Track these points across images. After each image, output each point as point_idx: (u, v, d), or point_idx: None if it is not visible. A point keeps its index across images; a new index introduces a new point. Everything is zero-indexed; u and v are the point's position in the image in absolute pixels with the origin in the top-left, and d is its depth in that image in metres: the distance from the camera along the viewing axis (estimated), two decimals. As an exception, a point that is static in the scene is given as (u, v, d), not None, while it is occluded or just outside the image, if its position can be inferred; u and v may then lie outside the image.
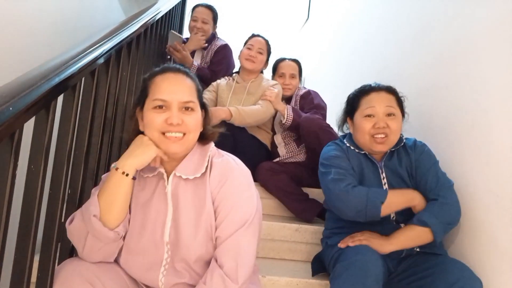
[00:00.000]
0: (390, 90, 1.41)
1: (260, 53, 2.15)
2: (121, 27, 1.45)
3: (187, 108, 0.97)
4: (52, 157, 0.94)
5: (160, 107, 0.95)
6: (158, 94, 0.96)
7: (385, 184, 1.36)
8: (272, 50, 2.29)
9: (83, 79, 1.06)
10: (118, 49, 1.34)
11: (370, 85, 1.43)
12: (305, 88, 2.31)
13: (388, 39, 2.14)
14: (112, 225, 0.93)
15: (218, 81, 2.25)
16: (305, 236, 1.65)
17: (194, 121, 0.98)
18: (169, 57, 2.40)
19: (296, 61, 2.29)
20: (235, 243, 0.93)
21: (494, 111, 1.23)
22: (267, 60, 2.24)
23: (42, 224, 0.91)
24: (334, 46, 3.16)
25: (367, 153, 1.39)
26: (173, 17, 2.86)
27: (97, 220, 0.90)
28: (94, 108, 1.15)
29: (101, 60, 1.17)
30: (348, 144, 1.42)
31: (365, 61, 2.42)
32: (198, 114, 1.00)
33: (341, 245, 1.26)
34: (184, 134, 0.96)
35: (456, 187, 1.33)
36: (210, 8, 2.58)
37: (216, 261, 0.94)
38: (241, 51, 2.21)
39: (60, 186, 0.96)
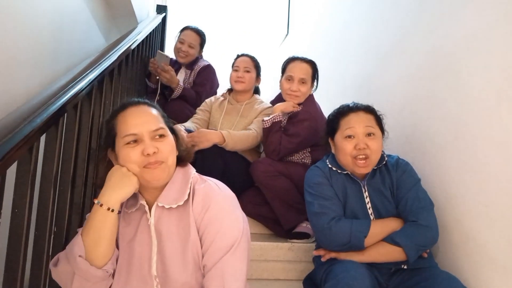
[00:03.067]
0: (368, 110, 1.40)
1: (248, 71, 2.09)
2: (101, 56, 1.45)
3: (159, 136, 0.97)
4: (36, 194, 0.91)
5: (134, 141, 0.95)
6: (127, 130, 0.95)
7: (368, 203, 1.36)
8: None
9: (65, 114, 1.05)
10: (100, 79, 1.33)
11: (348, 105, 1.42)
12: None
13: (369, 52, 2.17)
14: (100, 263, 0.90)
15: (213, 99, 2.21)
16: (298, 255, 1.65)
17: (169, 147, 0.98)
18: (157, 77, 2.38)
19: (311, 63, 1.88)
20: (221, 269, 0.91)
21: (477, 122, 1.25)
22: (258, 75, 2.15)
23: (28, 264, 0.88)
24: (315, 58, 3.19)
25: (350, 173, 1.39)
26: (155, 38, 2.87)
27: (82, 260, 0.88)
28: (78, 141, 1.13)
29: (84, 93, 1.16)
30: (330, 166, 1.41)
31: (346, 75, 2.44)
32: (170, 138, 1.00)
33: (323, 259, 1.30)
34: (162, 162, 0.96)
35: (443, 198, 1.35)
36: (198, 33, 2.57)
37: None
38: (230, 75, 2.15)
39: (46, 226, 0.94)
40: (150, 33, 2.56)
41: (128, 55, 1.82)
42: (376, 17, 2.11)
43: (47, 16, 1.70)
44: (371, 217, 1.34)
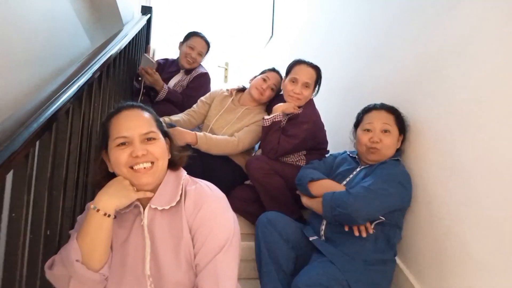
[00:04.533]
0: (391, 110, 1.58)
1: (272, 89, 2.07)
2: (90, 61, 1.46)
3: (149, 139, 1.00)
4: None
5: (123, 143, 0.97)
6: (118, 133, 0.98)
7: (349, 177, 1.56)
8: (236, 68, 2.30)
9: (57, 119, 1.07)
10: (89, 83, 1.35)
11: (375, 104, 1.63)
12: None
13: (356, 55, 2.23)
14: (97, 267, 0.93)
15: (218, 91, 2.22)
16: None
17: (159, 149, 1.00)
18: (140, 78, 2.40)
19: (316, 68, 1.91)
20: (214, 268, 0.94)
21: (458, 125, 1.31)
22: (275, 97, 2.12)
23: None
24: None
25: (357, 158, 1.63)
26: (140, 39, 2.88)
27: (79, 265, 0.90)
28: (69, 145, 1.16)
29: (74, 97, 1.18)
30: (349, 153, 1.69)
31: (333, 77, 2.49)
32: (161, 142, 1.03)
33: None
34: (152, 162, 0.98)
35: (425, 197, 1.42)
36: (207, 42, 2.61)
37: None
38: (255, 77, 2.13)
39: (41, 229, 0.96)
40: (136, 34, 2.57)
41: (115, 58, 1.84)
42: (363, 21, 2.17)
43: (38, 20, 1.71)
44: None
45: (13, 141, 0.79)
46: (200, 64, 2.66)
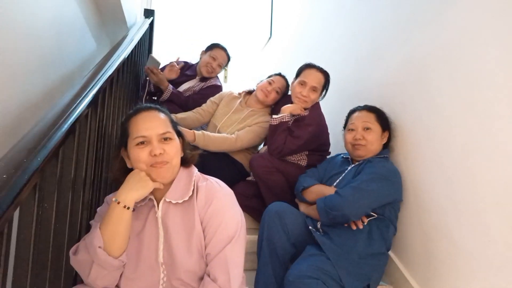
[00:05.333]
0: (371, 109, 1.73)
1: (277, 92, 2.21)
2: (102, 67, 1.58)
3: (165, 139, 1.10)
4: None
5: (142, 143, 1.08)
6: (138, 132, 1.08)
7: (341, 177, 1.67)
8: (235, 68, 2.41)
9: (79, 124, 1.19)
10: (104, 88, 1.47)
11: (358, 106, 1.79)
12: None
13: (348, 58, 2.33)
14: (117, 254, 1.03)
15: (228, 92, 2.36)
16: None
17: (174, 149, 1.11)
18: (147, 77, 2.51)
19: (325, 73, 1.98)
20: (225, 257, 1.05)
21: (445, 125, 1.40)
22: (280, 100, 2.26)
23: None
24: (296, 63, 3.36)
25: (349, 158, 1.76)
26: (144, 42, 2.99)
27: (102, 251, 1.00)
28: (88, 145, 1.28)
29: (91, 103, 1.29)
30: (342, 155, 1.82)
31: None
32: (176, 141, 1.13)
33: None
34: (167, 162, 1.09)
35: (415, 192, 1.53)
36: (228, 56, 2.70)
37: (209, 275, 1.05)
38: (261, 81, 2.27)
39: (66, 218, 1.08)
40: (140, 38, 2.68)
41: (123, 62, 1.96)
42: (355, 25, 2.27)
43: (48, 25, 1.82)
44: (333, 185, 1.66)
45: (45, 144, 0.91)
46: (217, 76, 2.75)
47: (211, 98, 2.36)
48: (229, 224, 1.09)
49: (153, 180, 1.09)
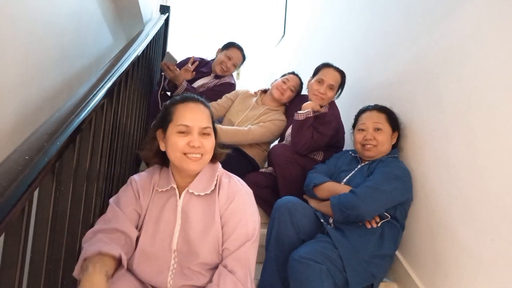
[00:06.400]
0: (381, 110, 1.73)
1: (291, 90, 2.27)
2: (118, 59, 1.63)
3: (205, 133, 1.14)
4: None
5: (183, 132, 1.12)
6: (182, 121, 1.12)
7: (347, 176, 1.68)
8: (248, 66, 2.46)
9: (95, 115, 1.24)
10: (119, 80, 1.53)
11: (368, 106, 1.78)
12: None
13: (358, 56, 2.36)
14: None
15: (242, 90, 2.43)
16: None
17: (210, 144, 1.15)
18: (162, 73, 2.57)
19: (342, 73, 2.06)
20: (245, 254, 1.09)
21: (451, 125, 1.41)
22: (295, 98, 2.32)
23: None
24: (308, 62, 3.38)
25: (358, 156, 1.76)
26: (159, 38, 3.05)
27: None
28: (103, 140, 1.33)
29: (107, 94, 1.35)
30: (351, 152, 1.83)
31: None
32: (213, 138, 1.17)
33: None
34: (202, 155, 1.13)
35: (422, 191, 1.54)
36: (244, 56, 2.73)
37: (226, 267, 1.08)
38: (276, 80, 2.34)
39: (81, 203, 1.14)
40: (156, 33, 2.74)
41: (139, 56, 2.01)
42: (366, 25, 2.29)
43: (68, 20, 1.88)
44: (342, 182, 1.66)
45: (63, 130, 0.97)
46: (231, 74, 2.78)
47: (227, 95, 2.42)
48: (249, 222, 1.13)
49: (182, 169, 1.13)
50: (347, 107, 2.36)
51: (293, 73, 2.35)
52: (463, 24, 1.40)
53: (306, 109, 1.96)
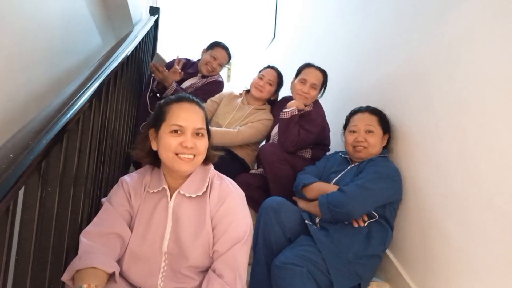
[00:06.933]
0: (374, 112, 1.73)
1: (270, 84, 2.26)
2: (107, 59, 1.61)
3: (198, 134, 1.13)
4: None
5: (176, 131, 1.10)
6: (176, 120, 1.10)
7: (340, 175, 1.68)
8: (238, 68, 2.46)
9: (83, 115, 1.21)
10: (108, 80, 1.50)
11: (360, 107, 1.78)
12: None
13: (351, 58, 2.37)
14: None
15: (226, 93, 2.41)
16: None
17: (203, 145, 1.14)
18: (152, 75, 2.54)
19: (324, 72, 2.10)
20: (233, 256, 1.07)
21: (441, 125, 1.43)
22: (277, 90, 2.33)
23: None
24: (299, 63, 3.38)
25: (348, 158, 1.76)
26: (148, 39, 3.03)
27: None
28: (91, 133, 1.30)
29: (95, 93, 1.32)
30: (340, 153, 1.83)
31: (330, 78, 2.63)
32: (206, 139, 1.16)
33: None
34: (194, 156, 1.11)
35: (412, 190, 1.56)
36: (229, 55, 2.71)
37: (215, 271, 1.07)
38: (253, 78, 2.33)
39: (68, 201, 1.11)
40: (145, 34, 2.72)
41: (128, 56, 1.99)
42: (358, 26, 2.30)
43: (56, 18, 1.85)
44: (331, 183, 1.66)
45: (50, 128, 0.94)
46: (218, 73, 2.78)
47: (212, 98, 2.40)
48: (240, 225, 1.12)
49: (173, 170, 1.11)
50: (339, 108, 2.37)
51: (268, 66, 2.35)
52: (455, 25, 1.41)
53: (291, 107, 1.97)
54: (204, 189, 1.15)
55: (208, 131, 1.20)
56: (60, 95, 1.14)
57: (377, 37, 2.04)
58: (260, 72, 2.34)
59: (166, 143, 1.10)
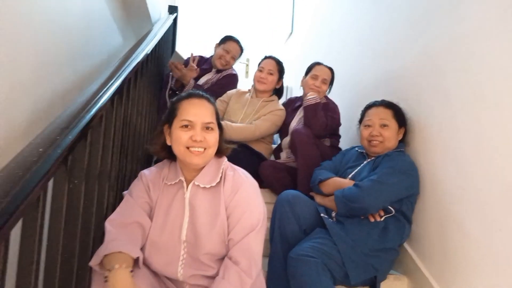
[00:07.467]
0: (388, 105, 1.73)
1: (271, 74, 2.31)
2: (127, 59, 1.67)
3: (207, 128, 1.18)
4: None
5: (186, 126, 1.16)
6: (185, 116, 1.17)
7: (352, 172, 1.69)
8: (256, 63, 2.45)
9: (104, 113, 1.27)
10: (129, 78, 1.56)
11: (375, 101, 1.79)
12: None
13: (365, 51, 2.37)
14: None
15: (234, 91, 2.46)
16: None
17: (213, 139, 1.19)
18: (170, 73, 2.61)
19: (331, 70, 2.27)
20: (248, 243, 1.12)
21: (457, 117, 1.43)
22: (280, 78, 2.37)
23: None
24: (315, 57, 3.39)
25: (364, 152, 1.77)
26: (167, 38, 3.10)
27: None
28: (114, 129, 1.37)
29: (117, 91, 1.38)
30: (357, 148, 1.84)
31: (345, 72, 2.63)
32: (216, 133, 1.21)
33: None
34: (205, 149, 1.16)
35: (430, 183, 1.55)
36: (241, 48, 2.78)
37: (231, 259, 1.12)
38: (254, 73, 2.39)
39: (93, 197, 1.18)
40: (164, 33, 2.78)
41: (148, 55, 2.05)
42: (373, 19, 2.30)
43: (77, 20, 1.93)
44: (347, 178, 1.67)
45: (75, 124, 1.00)
46: (232, 66, 2.82)
47: (220, 98, 2.44)
48: (253, 213, 1.17)
49: (185, 163, 1.17)
50: (353, 102, 2.37)
51: (265, 57, 2.40)
52: (470, 16, 1.40)
53: (312, 95, 2.07)
54: (218, 180, 1.19)
55: (220, 125, 1.25)
56: (83, 93, 1.21)
57: (391, 29, 2.03)
58: (259, 65, 2.38)
59: (178, 138, 1.16)
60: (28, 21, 1.38)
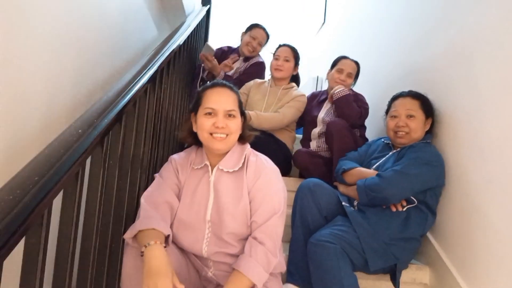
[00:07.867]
0: (415, 96, 1.72)
1: (287, 60, 2.36)
2: (161, 49, 1.76)
3: (230, 115, 1.25)
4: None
5: (209, 113, 1.24)
6: (208, 104, 1.25)
7: (377, 163, 1.70)
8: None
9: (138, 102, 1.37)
10: (162, 67, 1.65)
11: (402, 92, 1.78)
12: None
13: (395, 41, 2.35)
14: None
15: (252, 83, 2.52)
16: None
17: (235, 125, 1.25)
18: (202, 65, 2.70)
19: (357, 63, 2.31)
20: (271, 226, 1.19)
21: (485, 108, 1.41)
22: (296, 65, 2.42)
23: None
24: (345, 48, 3.36)
25: (390, 143, 1.77)
26: (200, 30, 3.19)
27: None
28: (147, 115, 1.46)
29: (150, 80, 1.47)
30: (383, 139, 1.85)
31: (377, 63, 2.60)
32: (238, 120, 1.27)
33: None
34: (227, 135, 1.23)
35: (456, 175, 1.55)
36: (267, 34, 2.85)
37: (256, 239, 1.19)
38: (270, 62, 2.44)
39: (127, 178, 1.28)
40: (197, 24, 2.87)
41: (181, 45, 2.14)
42: (404, 10, 2.28)
43: (116, 14, 2.05)
44: (372, 169, 1.69)
45: (111, 109, 1.10)
46: (259, 54, 2.89)
47: (240, 91, 2.48)
48: (275, 198, 1.24)
49: (209, 148, 1.25)
50: (382, 92, 2.35)
51: (280, 45, 2.43)
52: (498, 6, 1.37)
53: (340, 88, 2.14)
54: (240, 165, 1.26)
55: (243, 113, 1.31)
56: (119, 82, 1.30)
57: (421, 18, 2.01)
58: (274, 54, 2.43)
59: (202, 124, 1.24)
60: (70, 16, 1.49)
